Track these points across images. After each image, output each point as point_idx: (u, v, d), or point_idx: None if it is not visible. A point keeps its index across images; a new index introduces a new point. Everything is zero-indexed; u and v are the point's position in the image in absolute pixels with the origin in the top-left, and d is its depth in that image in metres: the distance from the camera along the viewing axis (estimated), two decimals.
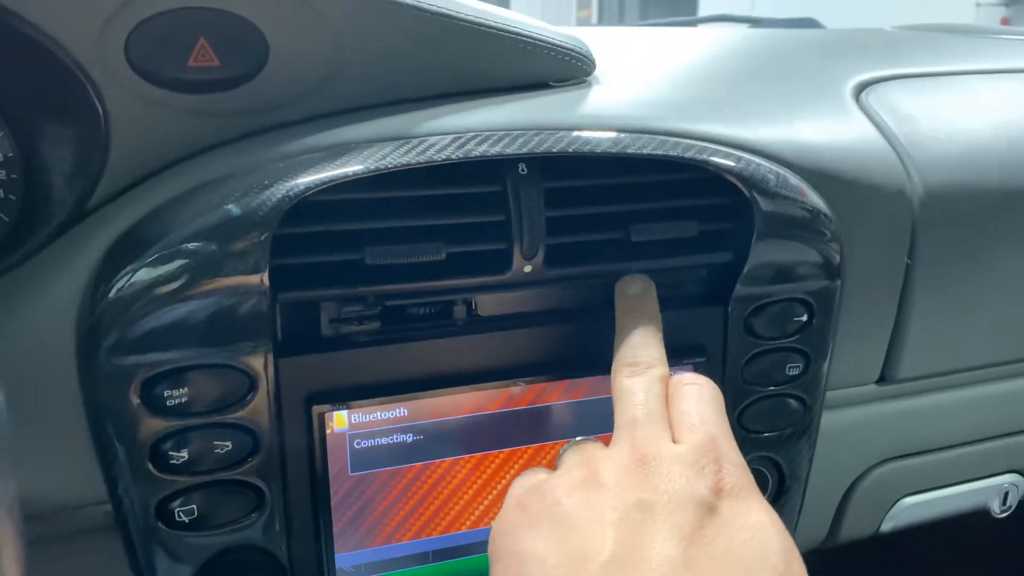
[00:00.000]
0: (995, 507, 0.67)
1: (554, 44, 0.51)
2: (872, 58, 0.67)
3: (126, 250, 0.41)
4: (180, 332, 0.40)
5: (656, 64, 0.62)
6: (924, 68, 0.66)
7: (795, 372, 0.52)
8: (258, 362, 0.42)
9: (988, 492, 0.66)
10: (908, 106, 0.59)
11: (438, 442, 0.47)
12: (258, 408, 0.43)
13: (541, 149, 0.45)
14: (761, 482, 0.55)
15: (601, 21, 7.39)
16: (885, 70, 0.63)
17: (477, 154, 0.44)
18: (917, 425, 0.62)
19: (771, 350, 0.52)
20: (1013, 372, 0.63)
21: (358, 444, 0.45)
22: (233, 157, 0.44)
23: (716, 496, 0.35)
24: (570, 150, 0.46)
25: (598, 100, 0.52)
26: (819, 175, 0.51)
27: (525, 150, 0.45)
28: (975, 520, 0.68)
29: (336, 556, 0.47)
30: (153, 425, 0.41)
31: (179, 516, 0.43)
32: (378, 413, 0.45)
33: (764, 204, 0.48)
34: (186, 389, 0.41)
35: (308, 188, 0.41)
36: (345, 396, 0.45)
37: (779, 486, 0.56)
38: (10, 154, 0.40)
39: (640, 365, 0.41)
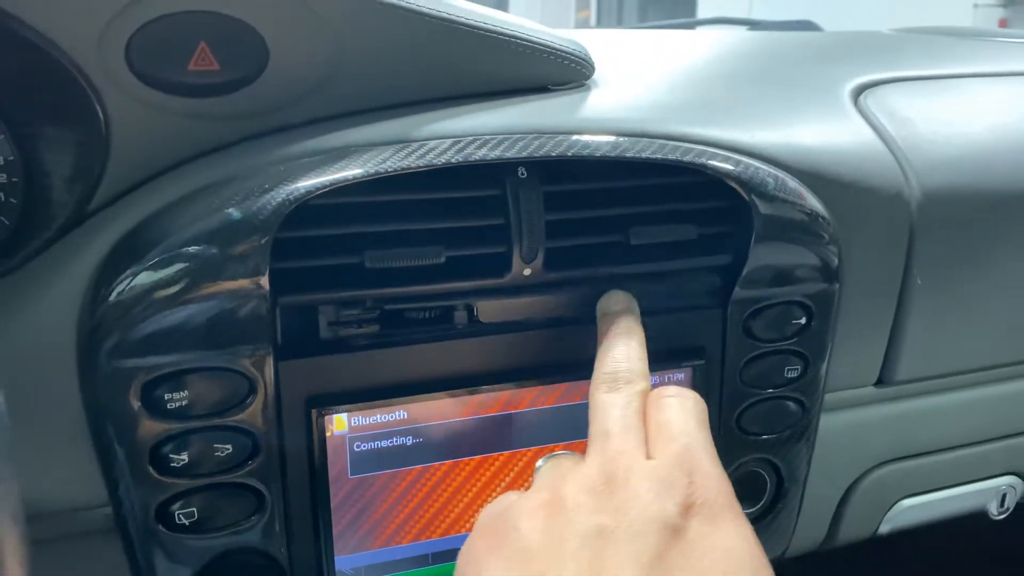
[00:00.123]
0: (993, 509, 0.68)
1: (553, 48, 0.51)
2: (870, 61, 0.68)
3: (126, 253, 0.41)
4: (180, 335, 0.40)
5: (655, 67, 0.63)
6: (922, 71, 0.66)
7: (794, 374, 0.52)
8: (258, 365, 0.42)
9: (986, 494, 0.67)
10: (906, 109, 0.59)
11: (438, 445, 0.47)
12: (258, 411, 0.43)
13: (540, 153, 0.45)
14: (759, 484, 0.55)
15: (600, 23, 7.40)
16: (883, 73, 0.64)
17: (477, 158, 0.44)
18: (915, 427, 0.62)
19: (770, 352, 0.52)
20: (1011, 374, 0.63)
21: (358, 447, 0.45)
22: (233, 161, 0.44)
23: (684, 515, 0.33)
24: (569, 154, 0.46)
25: (597, 104, 0.52)
26: (817, 178, 0.51)
27: (524, 154, 0.45)
28: (973, 522, 0.68)
29: (336, 559, 0.47)
30: (153, 428, 0.41)
31: (179, 519, 0.43)
32: (378, 416, 0.45)
33: (763, 207, 0.48)
34: (186, 392, 0.41)
35: (308, 192, 0.41)
36: (345, 399, 0.45)
37: (777, 488, 0.56)
38: (10, 157, 0.40)
39: (619, 380, 0.40)
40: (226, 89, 0.43)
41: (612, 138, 0.47)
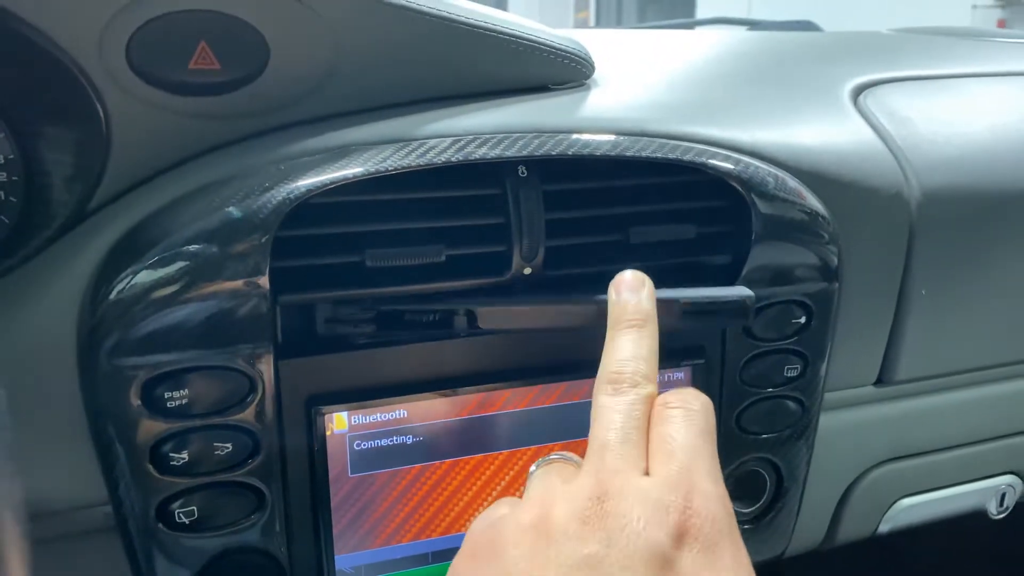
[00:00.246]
0: (992, 508, 0.68)
1: (554, 47, 0.51)
2: (869, 61, 0.68)
3: (127, 252, 0.41)
4: (181, 334, 0.40)
5: (655, 67, 0.63)
6: (921, 71, 0.66)
7: (793, 374, 0.53)
8: (258, 364, 0.42)
9: (985, 493, 0.67)
10: (905, 109, 0.59)
11: (438, 443, 0.47)
12: (258, 410, 0.43)
13: (541, 152, 0.45)
14: (759, 484, 0.55)
15: (599, 23, 7.40)
16: (883, 73, 0.64)
17: (477, 157, 0.44)
18: (915, 427, 0.62)
19: (769, 352, 0.52)
20: (1010, 374, 0.63)
21: (358, 445, 0.45)
22: (233, 159, 0.44)
23: (677, 544, 0.31)
24: (569, 153, 0.46)
25: (597, 103, 0.52)
26: (817, 178, 0.51)
27: (525, 153, 0.45)
28: (972, 521, 0.68)
29: (336, 557, 0.47)
30: (153, 426, 0.41)
31: (179, 517, 0.43)
32: (378, 415, 0.45)
33: (762, 207, 0.48)
34: (186, 391, 0.41)
35: (309, 191, 0.41)
36: (345, 398, 0.45)
37: (777, 487, 0.56)
38: (11, 156, 0.40)
39: (624, 382, 0.38)
40: (227, 88, 0.43)
41: (612, 137, 0.48)
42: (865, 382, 0.59)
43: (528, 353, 0.48)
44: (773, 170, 0.50)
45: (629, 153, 0.47)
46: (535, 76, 0.52)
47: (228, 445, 0.42)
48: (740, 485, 0.54)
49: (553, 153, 0.46)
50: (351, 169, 0.42)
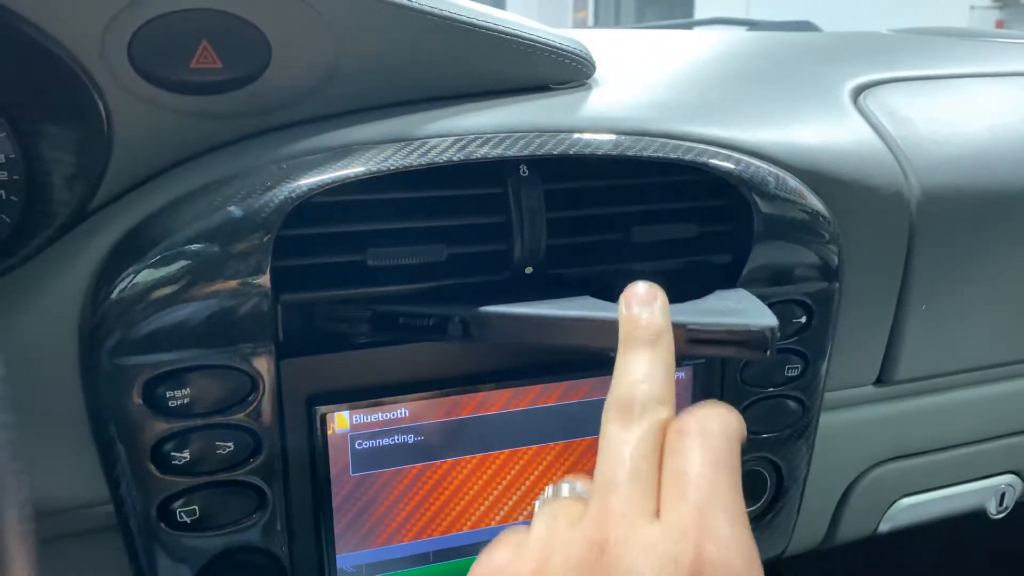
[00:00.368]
0: (991, 508, 0.68)
1: (555, 47, 0.51)
2: (869, 61, 0.68)
3: (128, 251, 0.41)
4: (182, 333, 0.40)
5: (655, 67, 0.63)
6: (921, 71, 0.66)
7: (794, 373, 0.53)
8: (260, 363, 0.42)
9: (985, 493, 0.67)
10: (905, 109, 0.59)
11: (439, 443, 0.47)
12: (260, 409, 0.43)
13: (542, 151, 0.45)
14: (759, 483, 0.55)
15: (597, 23, 7.41)
16: (882, 73, 0.64)
17: (478, 156, 0.44)
18: (915, 426, 0.62)
19: None
20: (1010, 373, 0.63)
21: (359, 445, 0.45)
22: (235, 159, 0.44)
23: None
24: (571, 152, 0.46)
25: (598, 102, 0.52)
26: (817, 177, 0.51)
27: (526, 152, 0.45)
28: (972, 521, 0.68)
29: (337, 557, 0.47)
30: (155, 426, 0.41)
31: (181, 517, 0.43)
32: (379, 414, 0.45)
33: (763, 206, 0.48)
34: (188, 390, 0.41)
35: (310, 190, 0.41)
36: (346, 397, 0.45)
37: (777, 487, 0.56)
38: (12, 155, 0.40)
39: (635, 408, 0.34)
40: (228, 87, 0.43)
41: (613, 137, 0.48)
42: (865, 382, 0.59)
43: (529, 353, 0.48)
44: (774, 170, 0.50)
45: (630, 153, 0.47)
46: (536, 76, 0.52)
47: (229, 444, 0.42)
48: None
49: (554, 152, 0.46)
50: (353, 168, 0.42)
